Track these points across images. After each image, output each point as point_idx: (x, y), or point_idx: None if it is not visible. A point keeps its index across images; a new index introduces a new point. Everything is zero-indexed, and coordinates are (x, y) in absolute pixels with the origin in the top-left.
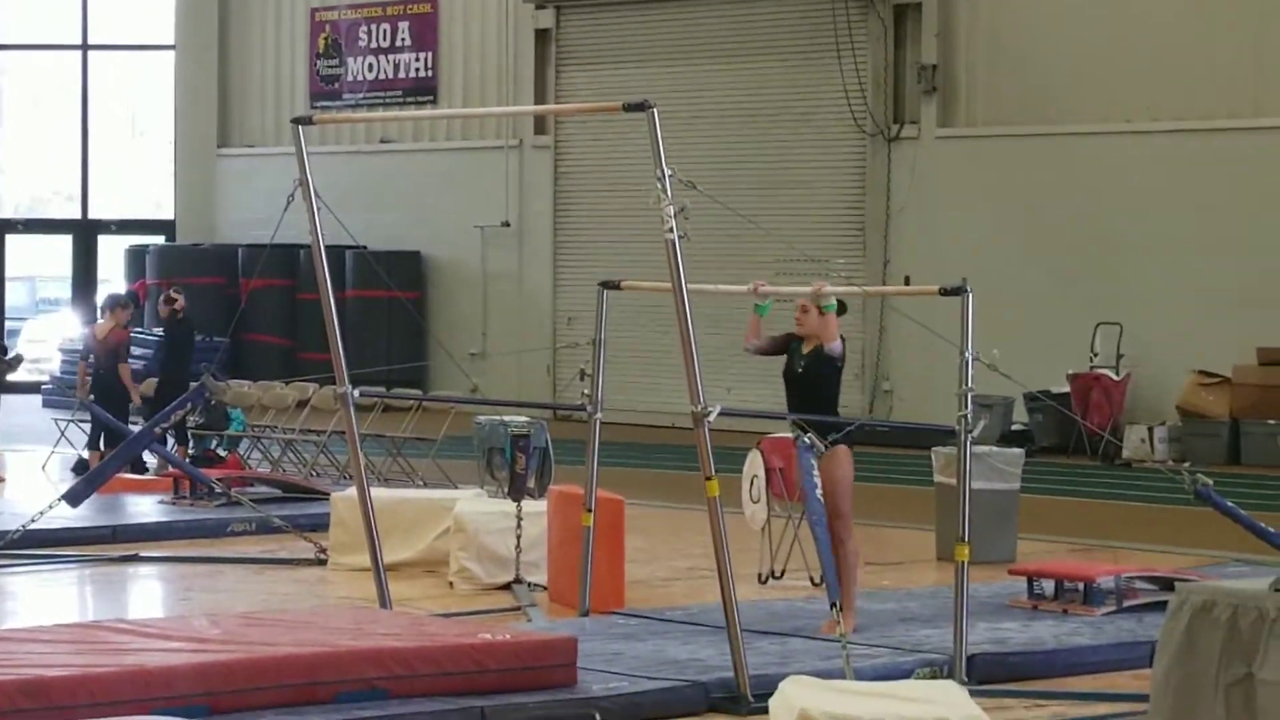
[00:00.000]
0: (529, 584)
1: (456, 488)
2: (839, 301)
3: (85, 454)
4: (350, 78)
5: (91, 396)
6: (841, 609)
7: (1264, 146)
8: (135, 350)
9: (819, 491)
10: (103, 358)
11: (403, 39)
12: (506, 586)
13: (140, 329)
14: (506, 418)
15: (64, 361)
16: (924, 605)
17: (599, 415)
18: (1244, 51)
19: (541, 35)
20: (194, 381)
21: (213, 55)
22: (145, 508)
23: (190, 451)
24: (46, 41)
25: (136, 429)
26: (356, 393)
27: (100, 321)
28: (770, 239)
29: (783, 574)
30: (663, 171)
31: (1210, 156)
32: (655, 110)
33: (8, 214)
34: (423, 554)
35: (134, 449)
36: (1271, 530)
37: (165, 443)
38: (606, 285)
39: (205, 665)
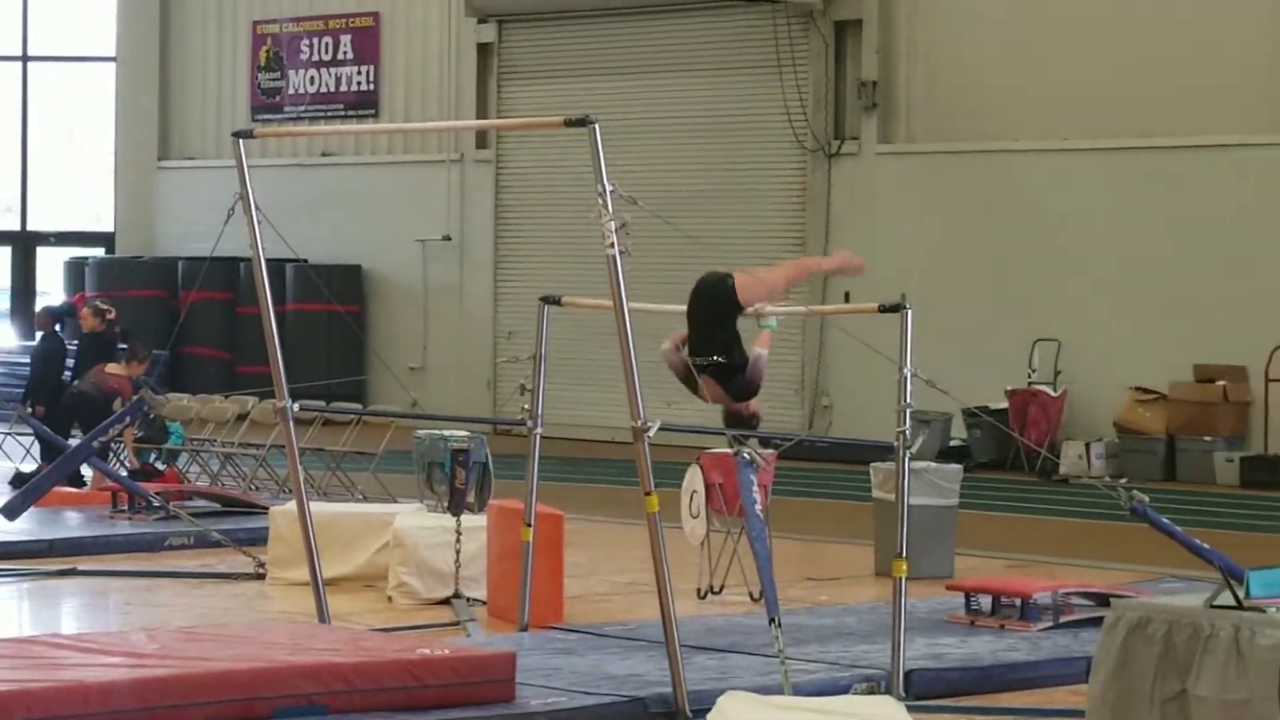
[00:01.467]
0: (468, 599)
1: (396, 502)
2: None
3: (23, 468)
4: (292, 90)
5: (31, 410)
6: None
7: (1201, 164)
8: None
9: (759, 507)
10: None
11: (345, 52)
12: (445, 601)
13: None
14: (446, 432)
15: (1, 374)
16: (862, 621)
17: (539, 430)
18: (1181, 70)
19: (484, 49)
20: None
21: (154, 67)
22: (83, 521)
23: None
24: None
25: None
26: (296, 407)
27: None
28: (711, 254)
29: (722, 589)
30: (604, 187)
31: (1148, 174)
32: (597, 125)
33: None
34: (362, 569)
35: (72, 463)
36: (1206, 546)
37: (104, 456)
38: (547, 300)
39: (143, 680)
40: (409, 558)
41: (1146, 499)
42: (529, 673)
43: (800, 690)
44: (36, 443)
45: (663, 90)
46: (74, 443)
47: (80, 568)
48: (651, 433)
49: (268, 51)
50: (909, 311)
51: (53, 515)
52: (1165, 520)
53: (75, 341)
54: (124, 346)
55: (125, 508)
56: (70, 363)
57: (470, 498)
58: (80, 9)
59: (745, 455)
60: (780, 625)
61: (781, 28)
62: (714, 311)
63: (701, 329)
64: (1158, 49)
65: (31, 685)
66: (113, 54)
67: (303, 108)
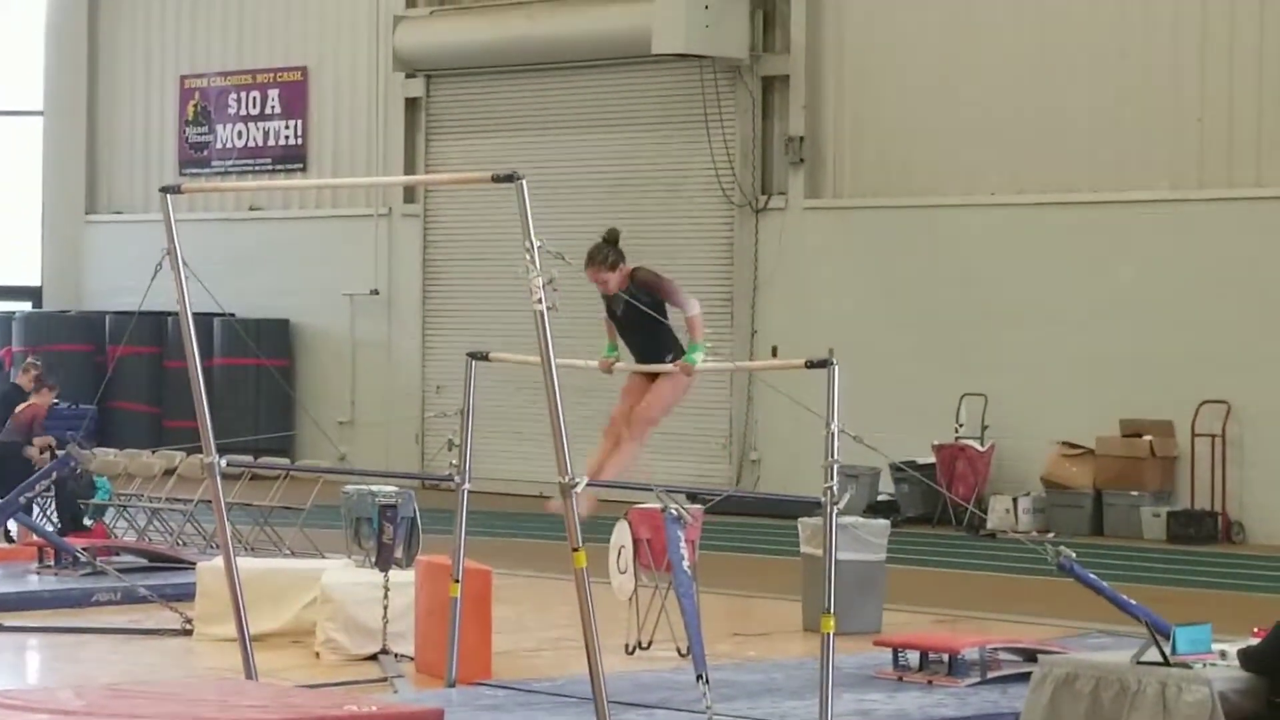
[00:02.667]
0: (396, 654)
1: (324, 557)
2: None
3: None
4: (220, 144)
5: None
6: (588, 477)
7: (1126, 218)
8: None
9: (686, 563)
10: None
11: (272, 106)
12: (373, 657)
13: None
14: (374, 487)
15: None
16: (790, 676)
17: (467, 485)
18: (1105, 125)
19: (411, 104)
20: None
21: (81, 121)
22: (8, 576)
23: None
24: None
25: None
26: (224, 462)
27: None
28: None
29: (650, 644)
30: (532, 243)
31: (1073, 229)
32: (524, 181)
33: None
34: (290, 624)
35: None
36: (1133, 602)
37: (30, 511)
38: (475, 356)
39: None
40: (337, 613)
41: (1073, 554)
42: None
43: None
44: None
45: (591, 145)
46: None
47: (5, 623)
48: (579, 489)
49: (195, 105)
50: (835, 367)
51: None
52: (1092, 576)
53: None
54: (56, 402)
55: (51, 563)
56: None
57: (398, 553)
58: (7, 62)
59: (673, 511)
60: (708, 681)
61: (709, 83)
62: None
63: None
64: (1083, 104)
65: None
66: (40, 108)
67: (230, 162)
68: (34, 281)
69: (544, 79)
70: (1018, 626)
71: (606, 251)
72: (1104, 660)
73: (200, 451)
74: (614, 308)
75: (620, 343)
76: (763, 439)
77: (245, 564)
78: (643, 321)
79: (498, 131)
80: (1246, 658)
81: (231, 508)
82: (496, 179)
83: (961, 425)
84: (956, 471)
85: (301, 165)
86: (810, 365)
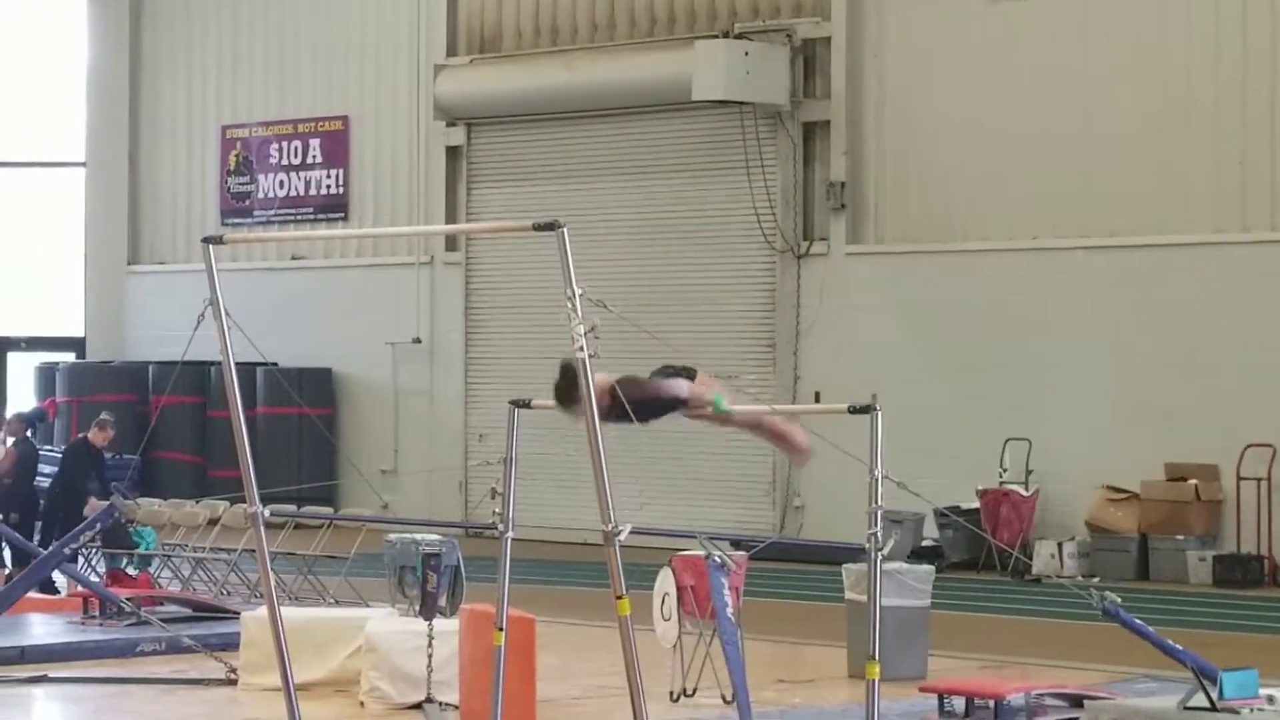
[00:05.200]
0: (440, 703)
1: (368, 606)
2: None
3: None
4: (261, 194)
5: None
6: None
7: (1168, 263)
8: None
9: (730, 610)
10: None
11: (314, 156)
12: (418, 706)
13: (50, 447)
14: (418, 536)
15: None
16: None
17: (510, 534)
18: (1146, 167)
19: (453, 152)
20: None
21: (123, 172)
22: (54, 628)
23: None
24: None
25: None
26: (267, 511)
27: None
28: (681, 356)
29: (694, 692)
30: (573, 290)
31: (1115, 273)
32: (565, 230)
33: None
34: (334, 673)
35: (44, 569)
36: (1179, 647)
37: (75, 562)
38: (517, 404)
39: None
40: (381, 662)
41: (1119, 600)
42: None
43: None
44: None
45: (632, 192)
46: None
47: (51, 675)
48: (623, 536)
49: (237, 156)
50: (879, 412)
51: (24, 622)
52: (1137, 621)
53: (48, 447)
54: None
55: (97, 614)
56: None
57: (442, 601)
58: (50, 114)
59: (717, 558)
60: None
61: (750, 129)
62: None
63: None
64: (1124, 148)
65: None
66: (82, 159)
67: (272, 211)
68: (77, 332)
69: (585, 126)
70: (1064, 672)
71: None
72: (1151, 705)
73: (244, 501)
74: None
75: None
76: (806, 485)
77: (289, 613)
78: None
79: (539, 179)
80: None
81: (275, 557)
82: (538, 227)
83: (1005, 470)
84: (1001, 517)
85: (343, 214)
86: (853, 411)
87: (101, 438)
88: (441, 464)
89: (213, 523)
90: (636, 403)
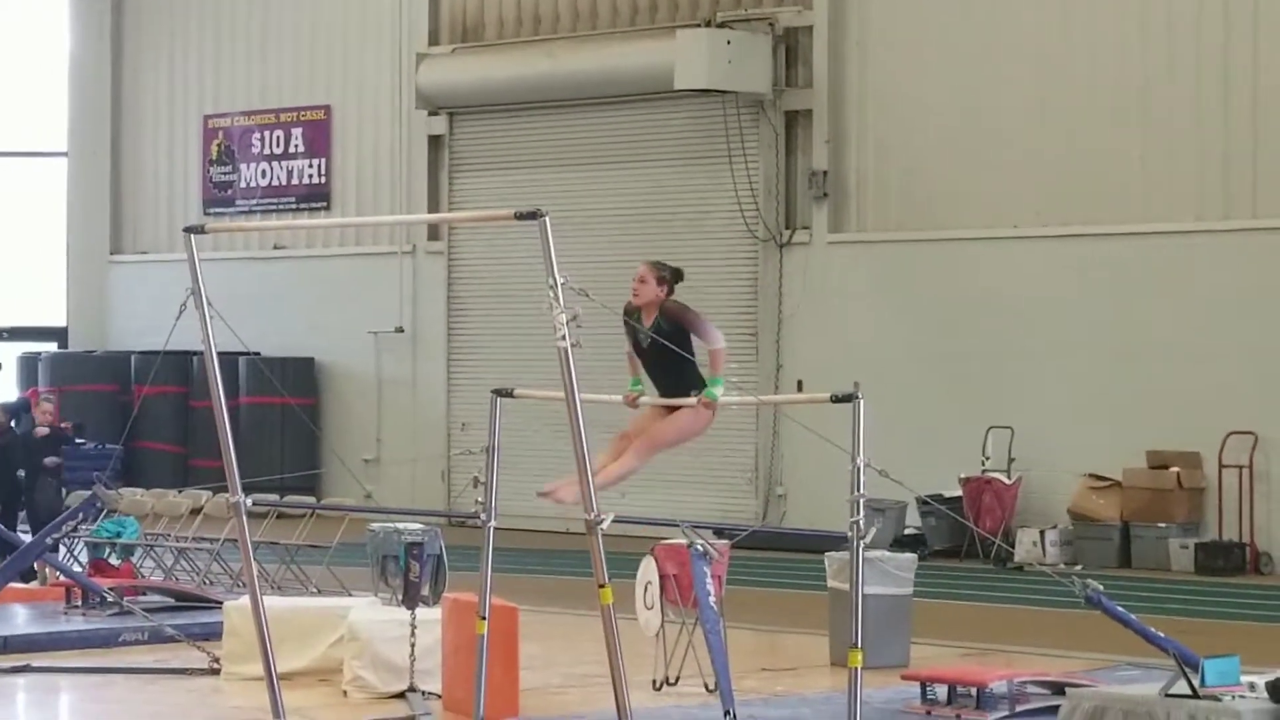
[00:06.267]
0: (423, 692)
1: (350, 595)
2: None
3: None
4: (243, 184)
5: None
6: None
7: (1150, 251)
8: None
9: (713, 598)
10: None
11: (296, 145)
12: (401, 695)
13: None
14: (400, 525)
15: None
16: (817, 711)
17: (493, 522)
18: (1128, 157)
19: (435, 141)
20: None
21: (105, 162)
22: (36, 618)
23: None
24: None
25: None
26: (250, 501)
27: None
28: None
29: (677, 680)
30: (555, 279)
31: (1097, 260)
32: (548, 218)
33: None
34: (317, 662)
35: (25, 559)
36: (1161, 635)
37: (57, 552)
38: (499, 393)
39: None
40: (364, 651)
41: (1101, 587)
42: None
43: None
44: None
45: (614, 181)
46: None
47: (34, 664)
48: (605, 525)
49: (219, 145)
50: (861, 401)
51: (6, 611)
52: (1120, 609)
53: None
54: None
55: (79, 603)
56: None
57: (425, 590)
58: (31, 104)
59: (699, 547)
60: (735, 717)
61: (732, 118)
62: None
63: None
64: (1106, 136)
65: None
66: (64, 149)
67: (254, 201)
68: (59, 322)
69: (567, 115)
70: (1046, 659)
71: (665, 269)
72: (1132, 693)
73: (226, 490)
74: (640, 340)
75: (645, 377)
76: (788, 473)
77: (272, 603)
78: (667, 356)
79: (521, 168)
80: (1276, 690)
81: (258, 546)
82: (520, 216)
83: (988, 458)
84: (983, 505)
85: (325, 204)
86: (836, 399)
87: (41, 415)
88: (424, 453)
89: (195, 512)
90: (674, 319)
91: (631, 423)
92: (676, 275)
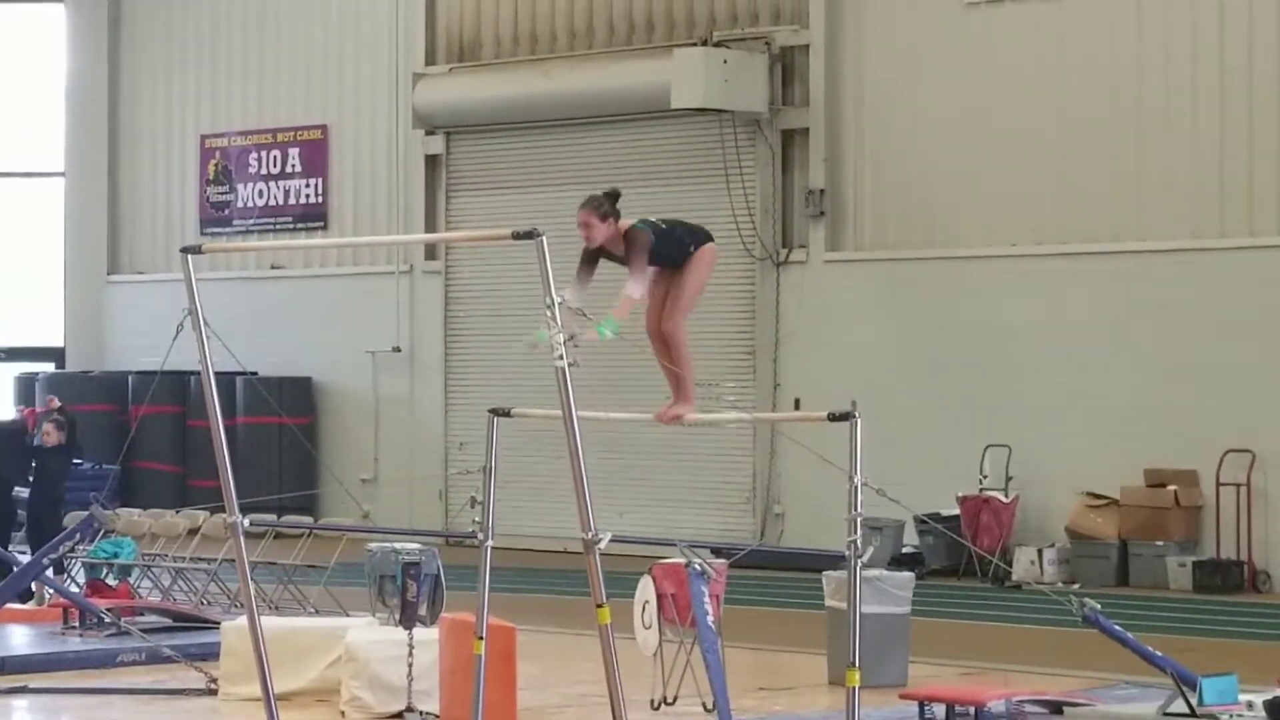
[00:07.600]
0: (421, 712)
1: (348, 616)
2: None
3: None
4: (240, 204)
5: None
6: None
7: (1147, 268)
8: None
9: (710, 618)
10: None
11: (293, 165)
12: (398, 715)
13: None
14: (398, 545)
15: None
16: None
17: (490, 543)
18: (1125, 174)
19: (432, 161)
20: None
21: (102, 182)
22: (33, 638)
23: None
24: None
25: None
26: (247, 521)
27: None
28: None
29: (675, 700)
30: (552, 299)
31: (1094, 279)
32: (544, 238)
33: None
34: (314, 683)
35: (23, 580)
36: (1159, 653)
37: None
38: (497, 412)
39: None
40: (361, 671)
41: (1099, 606)
42: None
43: None
44: None
45: None
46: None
47: (31, 685)
48: (603, 544)
49: (216, 165)
50: (858, 420)
51: (3, 632)
52: (1117, 628)
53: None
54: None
55: (76, 624)
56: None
57: (422, 610)
58: (29, 124)
59: (697, 566)
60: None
61: (729, 137)
62: None
63: None
64: (1103, 153)
65: None
66: (61, 169)
67: (252, 221)
68: (56, 342)
69: (564, 134)
70: (1044, 678)
71: (601, 200)
72: (1130, 712)
73: (224, 511)
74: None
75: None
76: (786, 492)
77: (269, 623)
78: (664, 260)
79: (518, 187)
80: (1273, 709)
81: (255, 567)
82: (517, 236)
83: (985, 477)
84: (981, 523)
85: (322, 223)
86: (833, 418)
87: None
88: (421, 473)
89: (192, 532)
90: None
91: (648, 322)
92: (612, 197)
